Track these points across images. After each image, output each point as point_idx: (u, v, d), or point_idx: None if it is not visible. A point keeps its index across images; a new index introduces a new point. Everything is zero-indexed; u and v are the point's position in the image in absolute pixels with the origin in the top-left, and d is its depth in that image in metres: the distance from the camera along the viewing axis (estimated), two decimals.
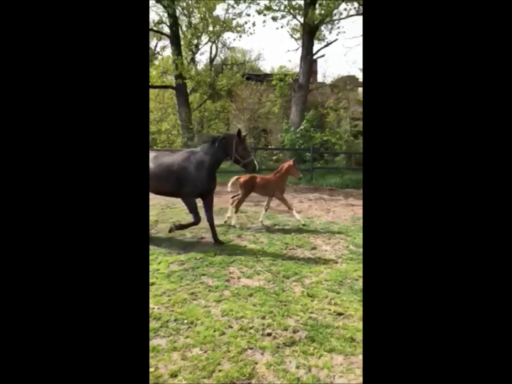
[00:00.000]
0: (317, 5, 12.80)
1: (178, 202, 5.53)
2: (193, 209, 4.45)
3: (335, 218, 6.25)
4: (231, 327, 2.44)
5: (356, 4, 13.50)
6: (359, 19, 13.52)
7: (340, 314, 2.68)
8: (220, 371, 1.97)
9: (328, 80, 17.94)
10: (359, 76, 17.81)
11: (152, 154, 4.67)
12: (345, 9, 13.71)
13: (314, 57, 13.93)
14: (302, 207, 7.36)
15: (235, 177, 5.69)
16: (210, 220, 4.50)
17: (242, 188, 5.52)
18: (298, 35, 14.45)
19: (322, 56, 16.14)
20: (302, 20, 13.11)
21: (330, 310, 2.74)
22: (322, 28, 14.27)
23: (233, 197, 5.68)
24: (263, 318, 2.58)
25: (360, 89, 17.30)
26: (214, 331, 2.37)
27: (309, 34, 13.06)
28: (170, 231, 4.47)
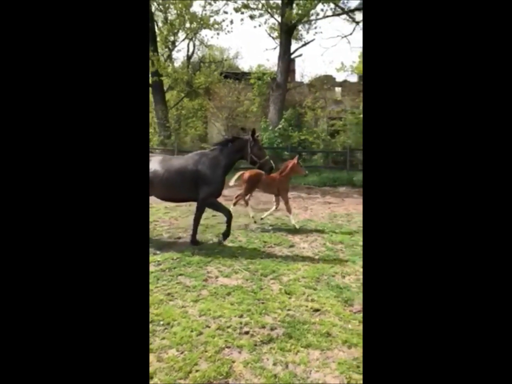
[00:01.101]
0: (294, 5, 12.89)
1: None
2: (219, 206, 4.32)
3: (313, 216, 6.35)
4: (209, 327, 2.43)
5: (332, 5, 13.70)
6: (336, 19, 13.74)
7: (316, 310, 2.73)
8: (197, 371, 1.95)
9: (306, 80, 18.14)
10: (336, 75, 18.13)
11: (158, 158, 4.48)
12: (322, 10, 13.92)
13: (292, 56, 14.03)
14: (281, 205, 7.41)
15: (240, 172, 5.63)
16: (197, 220, 4.39)
17: (246, 183, 5.47)
18: (276, 34, 14.50)
19: (300, 55, 16.30)
20: (279, 19, 13.16)
21: (307, 306, 2.77)
22: (300, 27, 14.39)
23: (237, 196, 5.64)
24: (241, 316, 2.59)
25: (337, 89, 17.60)
26: (191, 331, 2.35)
27: (287, 33, 13.14)
28: (220, 243, 4.35)
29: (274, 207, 5.64)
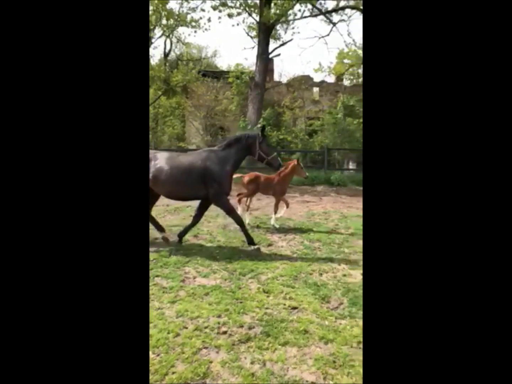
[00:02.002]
0: (272, 5, 12.94)
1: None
2: (230, 209, 4.20)
3: (291, 215, 6.40)
4: (186, 328, 2.40)
5: (309, 6, 13.87)
6: (313, 20, 13.90)
7: (294, 308, 2.75)
8: (173, 373, 1.93)
9: (284, 79, 18.29)
10: (314, 76, 18.37)
11: (164, 154, 4.34)
12: (299, 10, 14.07)
13: (270, 56, 14.07)
14: (260, 204, 7.44)
15: (239, 175, 5.52)
16: (197, 220, 4.35)
17: (246, 187, 5.41)
18: (254, 33, 14.50)
19: (278, 55, 16.37)
20: (257, 18, 13.18)
21: (285, 304, 2.80)
22: (278, 27, 14.45)
23: (239, 199, 5.56)
24: (219, 316, 2.57)
25: (315, 89, 17.85)
26: (168, 333, 2.31)
27: (265, 33, 13.18)
28: (258, 249, 4.19)
29: (284, 207, 5.62)
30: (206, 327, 2.41)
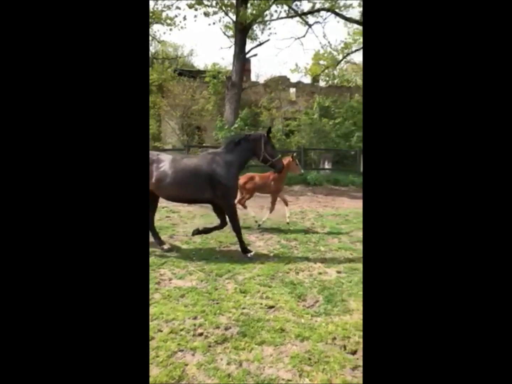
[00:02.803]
0: (248, 5, 12.94)
1: None
2: (234, 214, 4.09)
3: (269, 214, 6.42)
4: (161, 331, 2.36)
5: (286, 7, 13.98)
6: (289, 21, 14.03)
7: (271, 307, 2.77)
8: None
9: (261, 80, 18.34)
10: (290, 76, 18.55)
11: (168, 157, 4.19)
12: (276, 11, 14.14)
13: (247, 56, 14.07)
14: (238, 205, 7.41)
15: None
16: (238, 229, 4.14)
17: (244, 189, 5.33)
18: (230, 32, 14.45)
19: (255, 55, 16.43)
20: (234, 18, 13.14)
21: (261, 304, 2.81)
22: (254, 27, 14.46)
23: (242, 204, 5.46)
24: (195, 318, 2.55)
25: (292, 90, 18.03)
26: None
27: (242, 32, 13.16)
28: (253, 254, 4.08)
29: (286, 208, 5.59)
30: (181, 330, 2.38)
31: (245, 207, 5.55)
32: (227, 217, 4.19)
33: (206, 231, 4.35)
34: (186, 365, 2.01)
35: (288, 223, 5.50)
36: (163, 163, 4.07)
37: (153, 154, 4.19)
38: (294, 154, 5.62)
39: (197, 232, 4.33)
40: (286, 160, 5.38)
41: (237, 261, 3.83)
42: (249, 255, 4.02)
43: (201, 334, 2.33)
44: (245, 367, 2.01)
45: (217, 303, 2.79)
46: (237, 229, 4.09)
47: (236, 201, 5.27)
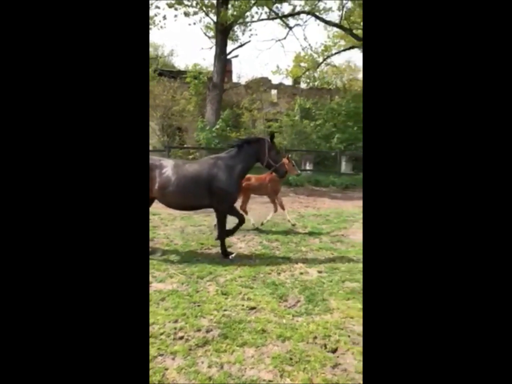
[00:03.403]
0: (229, 5, 12.93)
1: None
2: (222, 220, 4.07)
3: (250, 216, 6.42)
4: None
5: (266, 9, 14.07)
6: (270, 23, 14.12)
7: (252, 308, 2.77)
8: None
9: (243, 81, 18.36)
10: (272, 78, 18.66)
11: (170, 162, 4.08)
12: (257, 13, 14.19)
13: (228, 57, 14.05)
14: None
15: None
16: (223, 233, 4.11)
17: (241, 191, 5.21)
18: (211, 33, 14.39)
19: (236, 56, 16.41)
20: (215, 18, 13.09)
21: (243, 305, 2.80)
22: (235, 28, 14.47)
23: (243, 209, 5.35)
24: (175, 321, 2.51)
25: (273, 91, 18.15)
26: None
27: (223, 33, 13.13)
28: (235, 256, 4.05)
29: (285, 211, 5.55)
30: (161, 334, 2.34)
31: (246, 212, 5.51)
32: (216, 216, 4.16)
33: (233, 231, 4.27)
34: (166, 369, 1.97)
35: (294, 224, 5.49)
36: (166, 169, 4.00)
37: (155, 159, 4.12)
38: (290, 156, 5.62)
39: (228, 233, 4.27)
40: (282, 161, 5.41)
41: (218, 263, 3.81)
42: (230, 257, 4.01)
43: (181, 338, 2.30)
44: (226, 369, 2.00)
45: (198, 306, 2.77)
46: (222, 236, 4.08)
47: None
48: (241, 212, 4.36)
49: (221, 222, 4.10)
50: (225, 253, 4.04)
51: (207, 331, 2.39)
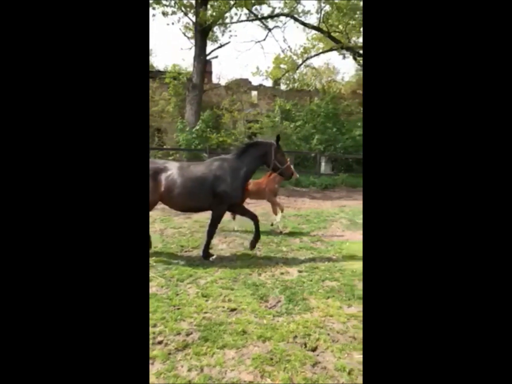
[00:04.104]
0: (208, 6, 12.86)
1: None
2: (215, 222, 4.04)
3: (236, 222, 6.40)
4: None
5: (246, 11, 14.09)
6: (249, 24, 14.15)
7: (233, 309, 2.76)
8: None
9: (223, 82, 18.30)
10: (252, 79, 18.71)
11: (174, 165, 3.99)
12: (236, 14, 14.20)
13: (208, 57, 13.98)
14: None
15: None
16: (212, 233, 4.07)
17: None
18: (191, 33, 14.27)
19: (216, 57, 16.33)
20: (194, 19, 12.99)
21: (224, 307, 2.79)
22: (215, 29, 14.41)
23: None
24: (154, 326, 2.47)
25: (253, 92, 18.20)
26: None
27: (202, 34, 13.04)
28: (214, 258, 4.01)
29: (280, 214, 5.48)
30: None
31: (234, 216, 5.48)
32: (211, 217, 4.12)
33: (257, 237, 4.28)
34: None
35: (277, 226, 5.45)
36: (171, 172, 3.96)
37: (159, 163, 4.09)
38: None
39: (254, 243, 4.29)
40: None
41: (199, 265, 3.78)
42: (211, 259, 3.98)
43: (160, 342, 2.27)
44: (206, 372, 1.98)
45: (178, 309, 2.73)
46: (210, 235, 4.06)
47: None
48: (251, 211, 4.33)
49: (215, 223, 4.09)
50: (206, 255, 4.01)
51: (187, 334, 2.37)
